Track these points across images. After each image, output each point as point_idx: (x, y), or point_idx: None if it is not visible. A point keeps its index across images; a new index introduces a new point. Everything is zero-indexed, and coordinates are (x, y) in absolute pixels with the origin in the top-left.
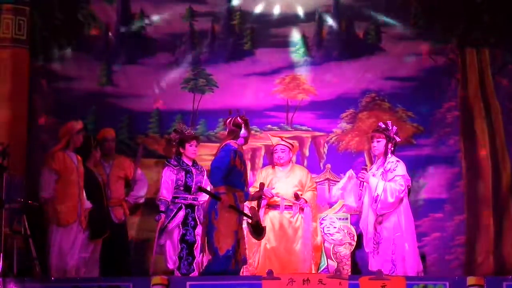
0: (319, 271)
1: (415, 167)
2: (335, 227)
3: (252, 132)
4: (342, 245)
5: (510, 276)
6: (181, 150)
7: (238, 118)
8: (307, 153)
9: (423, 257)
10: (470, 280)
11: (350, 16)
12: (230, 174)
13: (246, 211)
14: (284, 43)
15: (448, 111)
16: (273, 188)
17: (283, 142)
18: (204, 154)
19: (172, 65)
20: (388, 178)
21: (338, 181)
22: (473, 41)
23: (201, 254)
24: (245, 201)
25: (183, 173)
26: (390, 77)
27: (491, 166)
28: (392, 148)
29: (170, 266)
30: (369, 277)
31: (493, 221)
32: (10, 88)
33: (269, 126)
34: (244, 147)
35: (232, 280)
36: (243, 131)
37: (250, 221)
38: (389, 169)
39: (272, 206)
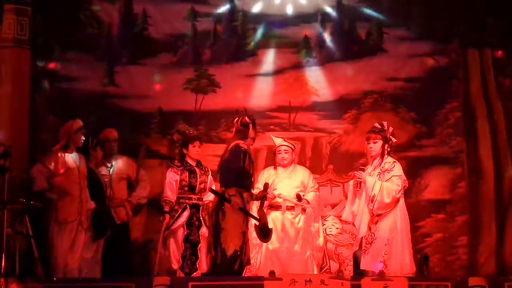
0: (321, 272)
1: (417, 168)
2: (337, 228)
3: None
4: (344, 246)
5: None
6: (185, 151)
7: (246, 117)
8: (309, 153)
9: (425, 258)
10: (472, 280)
11: (353, 17)
12: (240, 175)
13: (254, 212)
14: (286, 44)
15: (450, 112)
16: (275, 189)
17: (286, 143)
18: (206, 154)
19: (175, 65)
20: (385, 179)
21: (340, 185)
22: (475, 41)
23: (208, 255)
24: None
25: (187, 174)
26: (392, 78)
27: (493, 167)
28: (389, 149)
29: (175, 266)
30: (371, 278)
31: (495, 222)
32: (12, 88)
33: (271, 126)
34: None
35: (234, 281)
36: (250, 131)
37: (257, 223)
38: (386, 169)
39: (274, 207)
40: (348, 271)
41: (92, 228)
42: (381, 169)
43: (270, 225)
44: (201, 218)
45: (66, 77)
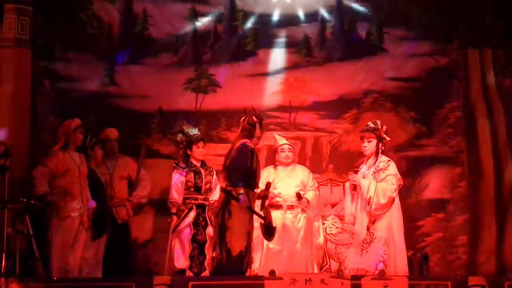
0: (321, 271)
1: (417, 167)
2: (337, 227)
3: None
4: (344, 245)
5: None
6: (189, 152)
7: (253, 117)
8: (309, 153)
9: (425, 257)
10: (472, 280)
11: (353, 16)
12: (247, 174)
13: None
14: (286, 44)
15: (450, 112)
16: (275, 188)
17: (288, 142)
18: (206, 154)
19: (175, 65)
20: (380, 178)
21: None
22: (475, 41)
23: (212, 254)
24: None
25: (192, 175)
26: (392, 77)
27: (493, 167)
28: (383, 148)
29: (178, 265)
30: (371, 277)
31: (495, 221)
32: (12, 88)
33: (271, 126)
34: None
35: (234, 280)
36: (257, 131)
37: (262, 221)
38: (381, 168)
39: (274, 206)
40: (348, 270)
41: (92, 227)
42: (375, 168)
43: (274, 224)
44: (207, 218)
45: (66, 76)
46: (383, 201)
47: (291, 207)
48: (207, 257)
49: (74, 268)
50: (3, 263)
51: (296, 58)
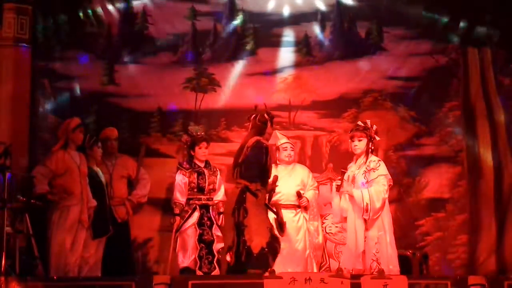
0: (320, 270)
1: (417, 166)
2: (336, 227)
3: None
4: (344, 245)
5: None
6: (192, 153)
7: (265, 114)
8: (309, 152)
9: (425, 257)
10: (472, 279)
11: (352, 16)
12: (262, 171)
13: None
14: (286, 43)
15: (450, 111)
16: (277, 186)
17: (289, 140)
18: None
19: (175, 64)
20: (370, 177)
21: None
22: (475, 40)
23: (227, 254)
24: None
25: (196, 175)
26: (392, 76)
27: (493, 166)
28: (372, 148)
29: (182, 264)
30: (371, 276)
31: (495, 221)
32: (12, 87)
33: None
34: None
35: (233, 279)
36: (268, 128)
37: (275, 217)
38: (372, 168)
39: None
40: (348, 269)
41: (92, 227)
42: (366, 168)
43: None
44: (212, 217)
45: (66, 76)
46: (378, 204)
47: (291, 206)
48: (215, 256)
49: (73, 267)
50: (3, 262)
51: (296, 57)
